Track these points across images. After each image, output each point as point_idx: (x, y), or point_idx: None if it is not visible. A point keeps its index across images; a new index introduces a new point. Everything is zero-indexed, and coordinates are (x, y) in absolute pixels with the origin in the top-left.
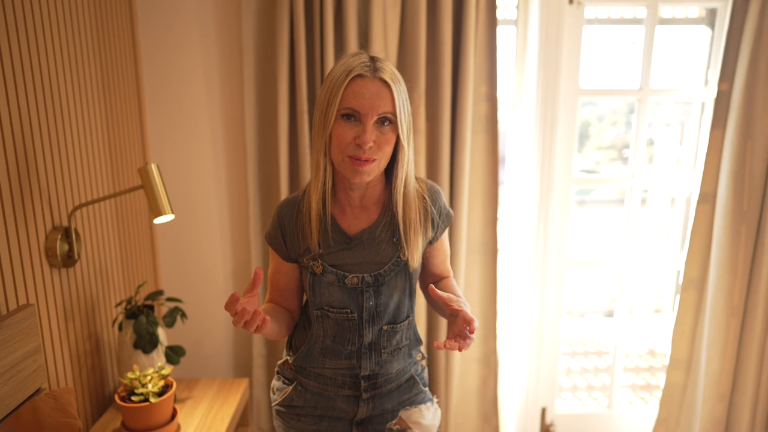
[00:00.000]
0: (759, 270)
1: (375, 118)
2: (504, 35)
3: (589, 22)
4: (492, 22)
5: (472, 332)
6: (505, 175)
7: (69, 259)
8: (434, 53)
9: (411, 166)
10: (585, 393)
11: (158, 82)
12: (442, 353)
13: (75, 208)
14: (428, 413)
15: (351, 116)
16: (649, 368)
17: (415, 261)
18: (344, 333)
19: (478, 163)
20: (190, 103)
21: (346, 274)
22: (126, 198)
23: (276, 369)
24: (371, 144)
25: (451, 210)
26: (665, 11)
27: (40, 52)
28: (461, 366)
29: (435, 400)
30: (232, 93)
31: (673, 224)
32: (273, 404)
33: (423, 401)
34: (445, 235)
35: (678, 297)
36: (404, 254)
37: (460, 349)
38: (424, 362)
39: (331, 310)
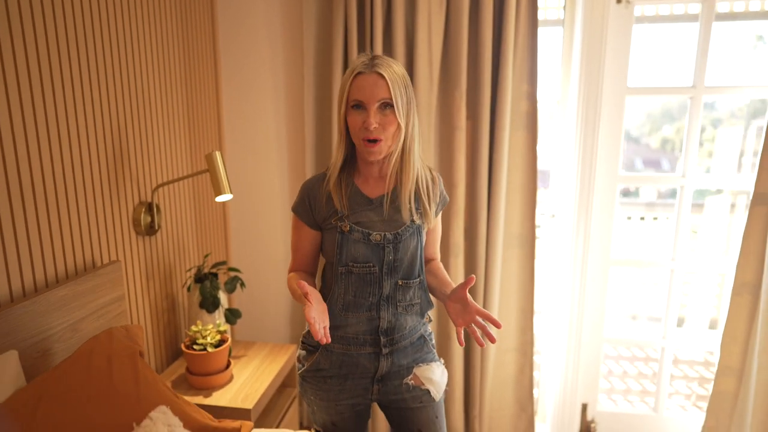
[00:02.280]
0: None
1: (376, 104)
2: (552, 36)
3: (639, 21)
4: (533, 23)
5: (498, 326)
6: (550, 172)
7: (151, 229)
8: (475, 55)
9: (413, 143)
10: (637, 397)
11: (233, 81)
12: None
13: (157, 186)
14: (438, 371)
15: (358, 106)
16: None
17: (430, 222)
18: (365, 286)
19: (518, 158)
20: (260, 100)
21: (370, 231)
22: (202, 179)
23: (301, 339)
24: (375, 125)
25: (447, 196)
26: (737, 5)
27: (135, 59)
28: (497, 355)
29: (441, 361)
30: (294, 92)
31: (734, 228)
32: (300, 371)
33: (433, 359)
34: (439, 219)
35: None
36: (416, 218)
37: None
38: (430, 326)
39: (355, 265)
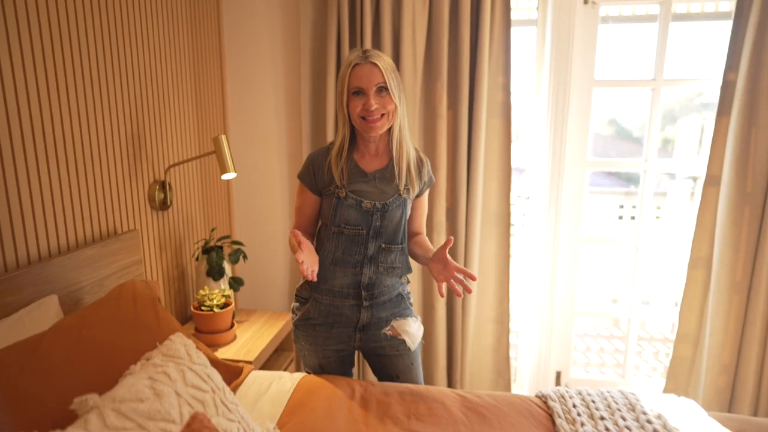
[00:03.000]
0: (764, 249)
1: (374, 88)
2: (528, 35)
3: (605, 21)
4: (506, 22)
5: (473, 279)
6: (525, 157)
7: (164, 205)
8: (455, 50)
9: (404, 121)
10: (611, 369)
11: (237, 74)
12: (458, 313)
13: (170, 166)
14: (414, 325)
15: (358, 92)
16: None
17: (415, 190)
18: (353, 246)
19: (494, 144)
20: (261, 89)
21: (363, 200)
22: (209, 159)
23: (295, 292)
24: (376, 106)
25: (433, 177)
26: (695, 6)
27: (150, 54)
28: (476, 326)
29: (418, 317)
30: (292, 83)
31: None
32: (293, 320)
33: (410, 315)
34: (426, 197)
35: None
36: (403, 192)
37: (468, 291)
38: (408, 286)
39: (346, 227)
